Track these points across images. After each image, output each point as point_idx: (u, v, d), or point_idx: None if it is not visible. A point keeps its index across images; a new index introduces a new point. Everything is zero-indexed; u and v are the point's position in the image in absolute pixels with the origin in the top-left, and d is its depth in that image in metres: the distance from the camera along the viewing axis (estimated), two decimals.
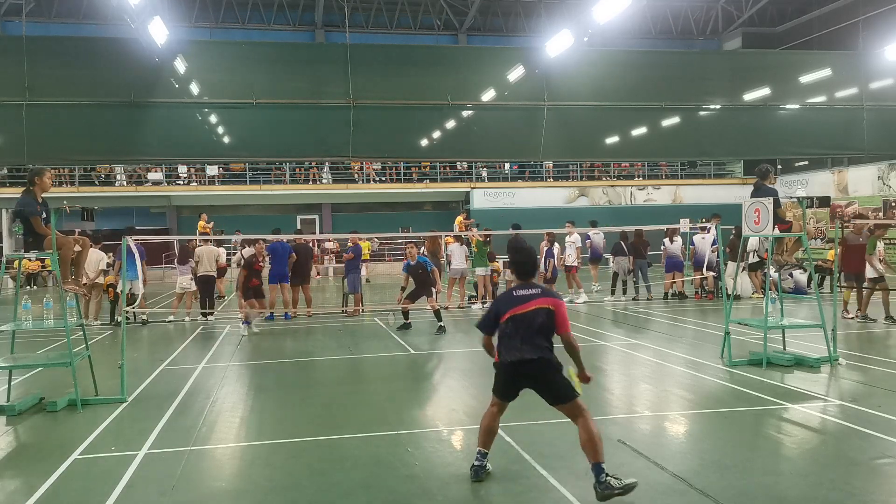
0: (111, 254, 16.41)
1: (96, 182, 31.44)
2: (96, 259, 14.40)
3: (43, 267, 26.04)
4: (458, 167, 34.02)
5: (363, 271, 16.64)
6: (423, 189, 33.68)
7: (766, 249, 9.86)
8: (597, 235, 19.11)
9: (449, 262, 16.95)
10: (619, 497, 4.52)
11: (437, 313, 12.94)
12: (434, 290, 13.30)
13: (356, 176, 33.65)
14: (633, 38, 34.06)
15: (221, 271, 17.26)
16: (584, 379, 5.00)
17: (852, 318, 12.84)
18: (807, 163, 31.83)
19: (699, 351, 10.04)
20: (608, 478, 4.55)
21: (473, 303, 16.71)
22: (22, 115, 13.35)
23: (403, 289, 13.57)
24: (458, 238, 17.42)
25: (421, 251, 14.98)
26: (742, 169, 34.49)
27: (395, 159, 30.08)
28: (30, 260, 8.58)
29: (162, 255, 29.33)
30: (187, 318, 15.22)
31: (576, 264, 17.23)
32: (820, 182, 31.33)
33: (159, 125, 14.43)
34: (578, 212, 31.00)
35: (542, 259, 16.18)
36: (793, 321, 9.99)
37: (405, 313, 13.34)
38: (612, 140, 16.82)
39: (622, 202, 33.89)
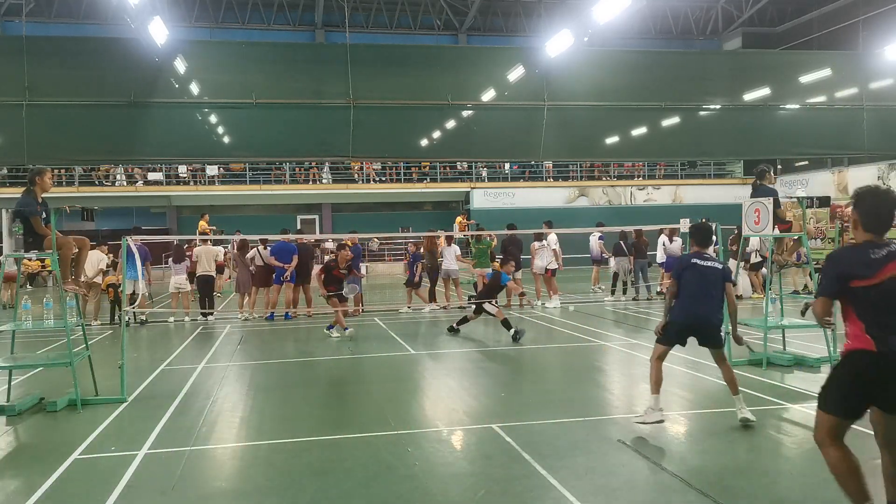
0: (111, 255, 16.41)
1: (96, 182, 31.44)
2: (96, 259, 14.40)
3: (43, 267, 26.03)
4: (458, 167, 34.02)
5: (362, 271, 16.59)
6: (423, 189, 33.68)
7: (767, 249, 9.86)
8: (592, 237, 19.08)
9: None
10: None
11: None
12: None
13: (356, 176, 33.65)
14: (633, 38, 34.07)
15: (220, 269, 17.27)
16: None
17: None
18: (807, 163, 31.82)
19: (699, 351, 10.00)
20: None
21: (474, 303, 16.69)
22: (22, 115, 13.34)
23: (475, 285, 12.98)
24: (449, 239, 17.37)
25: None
26: (742, 169, 34.48)
27: (395, 159, 30.07)
28: (30, 260, 8.58)
29: (162, 254, 29.33)
30: (187, 318, 15.22)
31: (553, 267, 16.60)
32: (820, 182, 31.31)
33: (159, 125, 14.42)
34: (578, 212, 31.02)
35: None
36: (793, 321, 9.98)
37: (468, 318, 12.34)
38: (612, 140, 16.82)
39: (622, 202, 33.89)
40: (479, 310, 12.22)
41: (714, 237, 6.78)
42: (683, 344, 6.47)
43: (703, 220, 17.34)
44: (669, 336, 6.44)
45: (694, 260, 6.42)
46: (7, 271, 16.51)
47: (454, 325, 12.47)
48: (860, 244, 3.87)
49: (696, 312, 6.30)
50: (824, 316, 3.99)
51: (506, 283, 12.83)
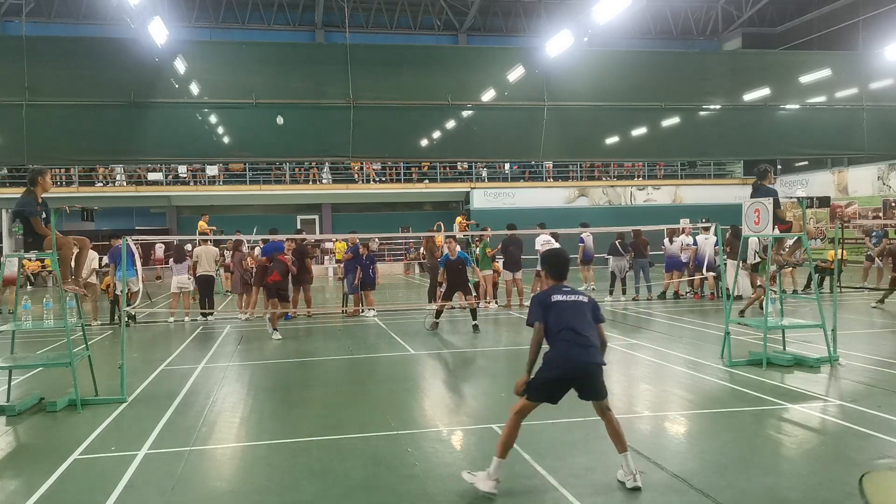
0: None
1: (96, 182, 31.45)
2: (88, 259, 14.38)
3: (43, 267, 26.03)
4: (458, 167, 34.03)
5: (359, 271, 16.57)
6: (423, 189, 33.69)
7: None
8: (588, 237, 19.12)
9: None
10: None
11: (473, 311, 12.92)
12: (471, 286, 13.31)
13: (356, 176, 33.66)
14: (633, 38, 34.08)
15: (228, 268, 17.32)
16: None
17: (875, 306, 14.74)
18: (807, 163, 31.85)
19: (699, 351, 10.04)
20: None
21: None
22: (22, 115, 13.35)
23: (441, 284, 13.34)
24: (452, 238, 17.35)
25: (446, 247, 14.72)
26: (742, 169, 34.50)
27: (395, 159, 30.08)
28: (30, 260, 8.59)
29: (164, 254, 29.34)
30: (187, 318, 15.22)
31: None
32: (820, 182, 31.34)
33: (159, 125, 14.43)
34: (579, 212, 31.02)
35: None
36: (793, 321, 9.99)
37: (439, 313, 13.14)
38: (612, 140, 16.82)
39: (622, 202, 33.90)
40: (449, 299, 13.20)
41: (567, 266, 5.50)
42: (555, 402, 5.07)
43: (705, 220, 17.54)
44: (540, 393, 5.03)
45: (555, 297, 5.17)
46: (7, 274, 16.51)
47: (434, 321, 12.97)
48: None
49: (576, 361, 5.02)
50: None
51: (465, 258, 13.36)
